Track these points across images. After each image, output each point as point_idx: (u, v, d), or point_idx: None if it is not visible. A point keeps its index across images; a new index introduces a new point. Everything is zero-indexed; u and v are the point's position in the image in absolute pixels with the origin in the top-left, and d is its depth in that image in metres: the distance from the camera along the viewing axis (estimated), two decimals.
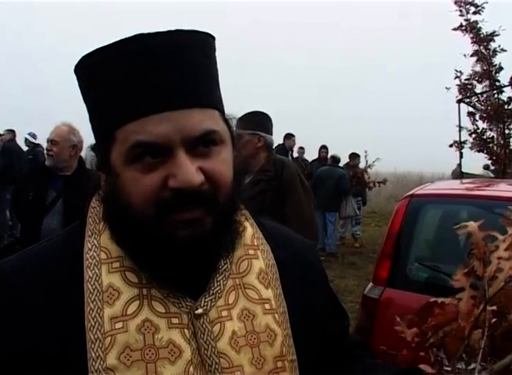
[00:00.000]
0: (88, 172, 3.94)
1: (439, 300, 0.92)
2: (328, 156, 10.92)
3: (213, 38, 0.91)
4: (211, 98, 0.88)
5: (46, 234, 3.41)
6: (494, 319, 0.84)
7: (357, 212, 10.37)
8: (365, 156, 11.24)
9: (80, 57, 0.87)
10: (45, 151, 3.80)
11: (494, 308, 0.83)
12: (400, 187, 18.97)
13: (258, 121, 3.42)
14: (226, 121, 0.91)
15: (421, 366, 0.84)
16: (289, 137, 10.41)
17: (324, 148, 11.48)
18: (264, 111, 3.49)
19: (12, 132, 10.24)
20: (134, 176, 0.82)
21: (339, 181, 9.65)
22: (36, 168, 4.44)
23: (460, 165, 7.21)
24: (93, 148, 0.92)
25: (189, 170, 0.81)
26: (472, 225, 0.91)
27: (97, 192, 0.95)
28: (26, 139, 10.46)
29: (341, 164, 10.70)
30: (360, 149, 11.55)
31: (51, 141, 3.72)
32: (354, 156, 11.24)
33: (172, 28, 0.84)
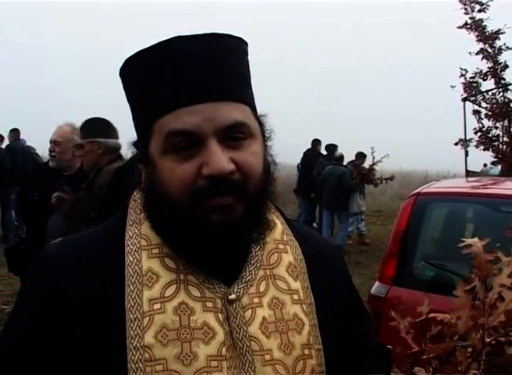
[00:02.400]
0: None
1: (438, 316, 0.92)
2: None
3: (245, 43, 0.97)
4: (242, 94, 0.93)
5: (51, 234, 3.42)
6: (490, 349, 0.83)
7: (363, 208, 10.23)
8: (372, 153, 10.98)
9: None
10: (48, 152, 3.78)
11: (492, 340, 0.83)
12: (405, 185, 18.90)
13: (96, 128, 3.41)
14: (258, 118, 0.96)
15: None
16: (319, 142, 11.31)
17: (332, 145, 11.40)
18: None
19: (15, 130, 10.23)
20: (170, 166, 0.88)
21: (340, 179, 9.55)
22: (40, 168, 4.43)
23: (485, 165, 7.17)
24: (134, 143, 1.00)
25: (220, 158, 0.86)
26: (477, 245, 0.90)
27: (139, 186, 1.01)
28: None
29: (346, 162, 10.61)
30: (366, 147, 11.41)
31: (53, 142, 3.71)
32: (360, 156, 11.12)
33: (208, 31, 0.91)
